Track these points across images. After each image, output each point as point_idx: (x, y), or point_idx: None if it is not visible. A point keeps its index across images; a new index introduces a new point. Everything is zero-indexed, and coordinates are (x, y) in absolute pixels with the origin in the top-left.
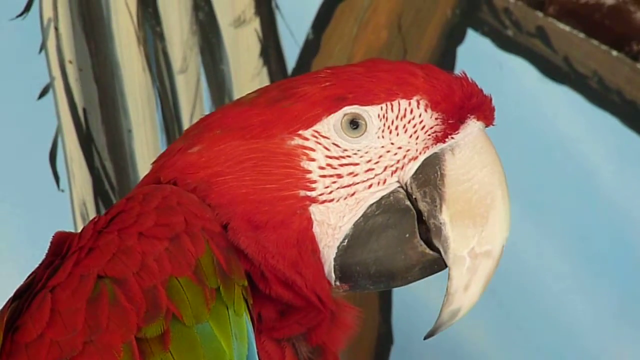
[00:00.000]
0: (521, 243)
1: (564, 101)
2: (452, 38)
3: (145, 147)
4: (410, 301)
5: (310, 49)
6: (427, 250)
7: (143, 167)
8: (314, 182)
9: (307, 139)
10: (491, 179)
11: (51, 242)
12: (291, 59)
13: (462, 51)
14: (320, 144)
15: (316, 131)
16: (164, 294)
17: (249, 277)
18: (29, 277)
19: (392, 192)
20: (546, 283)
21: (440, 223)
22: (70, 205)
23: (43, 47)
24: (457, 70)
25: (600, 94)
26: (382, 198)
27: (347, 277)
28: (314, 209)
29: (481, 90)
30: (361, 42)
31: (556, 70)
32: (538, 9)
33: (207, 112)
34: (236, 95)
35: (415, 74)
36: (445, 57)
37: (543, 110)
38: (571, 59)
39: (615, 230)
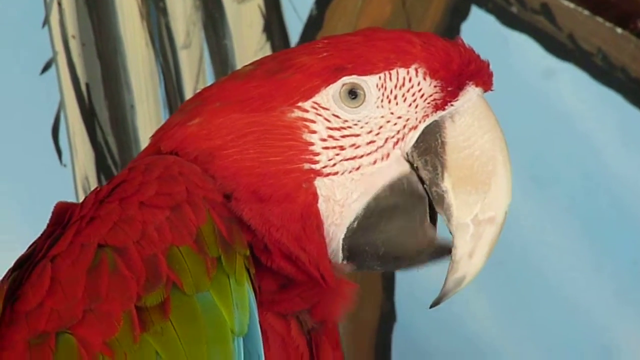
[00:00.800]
0: (525, 219)
1: (569, 78)
2: (456, 14)
3: (148, 122)
4: (413, 278)
5: (314, 24)
6: (438, 237)
7: (146, 142)
8: (317, 154)
9: (307, 111)
10: (492, 145)
11: (52, 212)
12: (294, 34)
13: (466, 27)
14: (320, 115)
15: (316, 102)
16: (164, 263)
17: (251, 249)
18: (29, 247)
19: (405, 175)
20: (549, 258)
21: (443, 191)
22: (73, 180)
23: (46, 21)
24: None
25: (604, 72)
26: (395, 181)
27: (354, 257)
28: (319, 183)
29: (479, 56)
30: (365, 17)
31: (561, 47)
32: None
33: None
34: None
35: (412, 42)
36: (449, 33)
37: (547, 88)
38: (576, 36)
39: (620, 207)
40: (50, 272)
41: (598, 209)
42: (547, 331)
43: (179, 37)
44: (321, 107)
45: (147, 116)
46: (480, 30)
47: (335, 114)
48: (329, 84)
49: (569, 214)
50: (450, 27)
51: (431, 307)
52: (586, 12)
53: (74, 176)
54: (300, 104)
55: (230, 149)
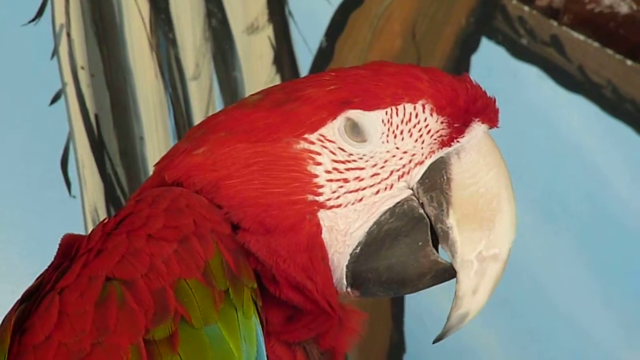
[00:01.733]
0: (534, 252)
1: (578, 110)
2: (467, 46)
3: (157, 153)
4: (423, 309)
5: (324, 56)
6: (440, 259)
7: None
8: (321, 186)
9: (313, 143)
10: (497, 182)
11: (60, 244)
12: (304, 66)
13: (476, 60)
14: (326, 147)
15: (322, 135)
16: (172, 296)
17: (259, 280)
18: (37, 279)
19: (406, 199)
20: (559, 292)
21: (448, 227)
22: (82, 212)
23: (55, 52)
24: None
25: (614, 104)
26: (395, 205)
27: (358, 284)
28: (322, 215)
29: (485, 93)
30: (375, 50)
31: (570, 79)
32: (552, 17)
33: None
34: None
35: (420, 77)
36: (460, 66)
37: (557, 120)
38: (585, 68)
39: (630, 239)
40: (58, 305)
41: (607, 241)
42: None
43: (189, 69)
44: (327, 139)
45: (157, 147)
46: (491, 63)
47: (341, 147)
48: (335, 117)
49: (578, 246)
50: (461, 59)
51: (434, 342)
52: (596, 44)
53: (83, 207)
54: (306, 135)
55: (235, 179)
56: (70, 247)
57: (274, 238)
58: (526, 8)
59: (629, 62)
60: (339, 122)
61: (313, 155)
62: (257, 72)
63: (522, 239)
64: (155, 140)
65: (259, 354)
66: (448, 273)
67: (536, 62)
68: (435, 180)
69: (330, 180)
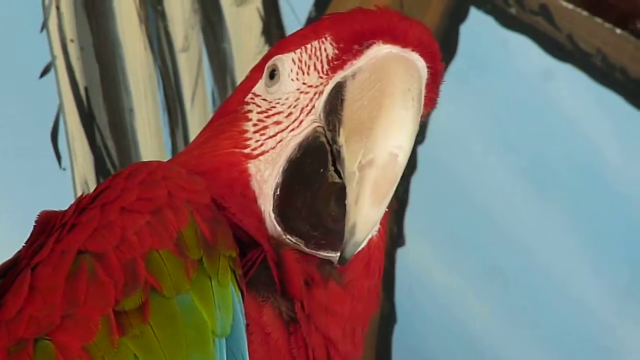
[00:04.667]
0: (526, 221)
1: (568, 79)
2: (455, 16)
3: (147, 126)
4: (413, 279)
5: None
6: (337, 180)
7: (145, 145)
8: (249, 139)
9: (247, 104)
10: (381, 92)
11: (36, 221)
12: None
13: (465, 29)
14: (254, 103)
15: (253, 93)
16: (142, 267)
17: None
18: (13, 256)
19: (312, 130)
20: (551, 260)
21: (339, 147)
22: (72, 184)
23: (44, 26)
24: (460, 48)
25: (604, 72)
26: (302, 139)
27: (289, 227)
28: (250, 165)
29: (390, 14)
30: None
31: (560, 48)
32: None
33: (208, 91)
34: (238, 74)
35: (331, 15)
36: (449, 35)
37: (547, 89)
38: (575, 37)
39: (621, 207)
40: (29, 280)
41: (598, 210)
42: (549, 332)
43: (178, 41)
44: (256, 95)
45: (146, 120)
46: (480, 32)
47: (264, 97)
48: (262, 72)
49: (569, 215)
50: (449, 29)
51: (339, 263)
52: (585, 13)
53: (73, 180)
54: (245, 99)
55: (196, 152)
56: (46, 224)
57: (222, 193)
58: None
59: (618, 31)
60: (264, 75)
61: (246, 114)
62: (246, 43)
63: (512, 208)
64: (145, 112)
65: (236, 322)
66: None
67: (525, 31)
68: (334, 105)
69: (256, 132)
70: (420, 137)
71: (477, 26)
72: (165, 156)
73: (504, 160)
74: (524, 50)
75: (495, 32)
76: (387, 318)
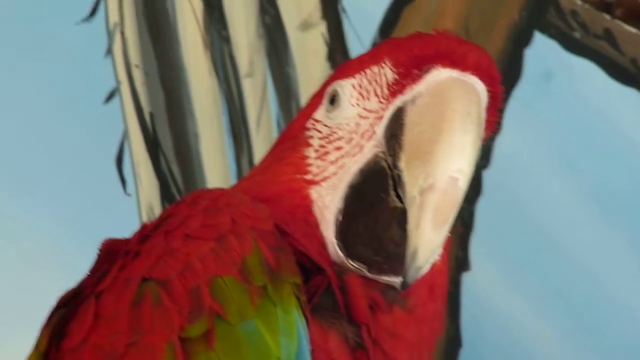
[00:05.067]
0: (589, 245)
1: (632, 103)
2: (520, 41)
3: (212, 150)
4: (480, 303)
5: None
6: (398, 204)
7: (210, 170)
8: (310, 165)
9: (308, 129)
10: (441, 116)
11: (99, 250)
12: None
13: (529, 54)
14: (315, 128)
15: (313, 118)
16: (207, 293)
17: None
18: (77, 284)
19: (373, 156)
20: (615, 284)
21: (400, 171)
22: (138, 209)
23: (109, 51)
24: (525, 73)
25: None
26: (364, 164)
27: (351, 253)
28: (313, 191)
29: (449, 38)
30: None
31: (623, 72)
32: (605, 11)
33: (273, 116)
34: (303, 99)
35: (388, 41)
36: (513, 60)
37: (610, 113)
38: (638, 61)
39: None
40: (94, 308)
41: None
42: (613, 356)
43: (243, 66)
44: (316, 120)
45: (211, 144)
46: (544, 57)
47: (325, 123)
48: (322, 98)
49: (633, 239)
50: (514, 53)
51: (401, 289)
52: None
53: (138, 205)
54: (306, 124)
55: (259, 177)
56: (109, 252)
57: (285, 219)
58: (579, 1)
59: None
60: (324, 100)
61: (307, 140)
62: (311, 68)
63: (577, 232)
64: (210, 137)
65: (300, 348)
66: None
67: (589, 56)
68: (394, 129)
69: (318, 158)
70: (485, 162)
71: (542, 51)
72: (231, 181)
73: (568, 184)
74: (588, 74)
75: (559, 56)
76: (453, 342)
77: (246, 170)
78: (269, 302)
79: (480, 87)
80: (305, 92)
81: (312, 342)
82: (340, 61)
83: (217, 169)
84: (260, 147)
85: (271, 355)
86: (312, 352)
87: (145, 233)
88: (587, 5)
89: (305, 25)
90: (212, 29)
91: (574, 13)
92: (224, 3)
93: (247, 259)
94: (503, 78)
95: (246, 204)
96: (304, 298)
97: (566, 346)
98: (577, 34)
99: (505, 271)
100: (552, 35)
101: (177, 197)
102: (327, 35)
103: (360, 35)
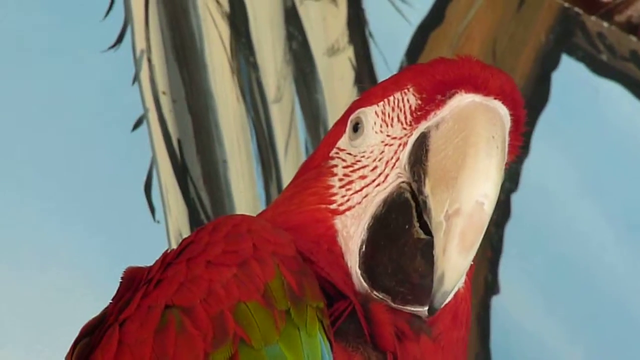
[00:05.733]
0: (618, 267)
1: None
2: (547, 63)
3: (241, 177)
4: (509, 327)
5: None
6: (422, 235)
7: (239, 197)
8: (335, 194)
9: (332, 158)
10: (465, 141)
11: (122, 278)
12: None
13: (556, 76)
14: (339, 157)
15: (338, 147)
16: (231, 319)
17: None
18: (100, 313)
19: (397, 185)
20: None
21: (425, 197)
22: (167, 237)
23: (136, 78)
24: (553, 96)
25: None
26: (388, 194)
27: (375, 284)
28: (337, 221)
29: (471, 63)
30: None
31: None
32: (632, 33)
33: (302, 142)
34: (330, 124)
35: (411, 67)
36: (540, 83)
37: (638, 135)
38: None
39: None
40: (118, 336)
41: None
42: None
43: (270, 92)
44: (340, 149)
45: (240, 171)
46: (571, 79)
47: (349, 152)
48: (345, 126)
49: None
50: (541, 76)
51: (428, 314)
52: None
53: (167, 233)
54: (330, 153)
55: (281, 209)
56: (132, 280)
57: (309, 247)
58: (605, 24)
59: None
60: (347, 128)
61: (331, 169)
62: (339, 93)
63: (605, 255)
64: (238, 163)
65: None
66: (433, 247)
67: (616, 78)
68: (418, 155)
69: (342, 187)
70: (513, 186)
71: (569, 73)
72: (259, 207)
73: (596, 208)
74: (615, 96)
75: (586, 78)
76: None
77: (275, 197)
78: (292, 326)
79: (503, 112)
80: (333, 117)
81: None
82: (368, 86)
83: (245, 196)
84: (289, 173)
85: None
86: None
87: (167, 261)
88: (613, 28)
89: (333, 51)
90: (239, 55)
91: (600, 35)
92: (251, 29)
93: (270, 284)
94: (530, 101)
95: (267, 229)
96: (327, 322)
97: None
98: (604, 57)
99: (535, 294)
100: (579, 58)
101: (206, 224)
102: (354, 60)
103: (388, 59)
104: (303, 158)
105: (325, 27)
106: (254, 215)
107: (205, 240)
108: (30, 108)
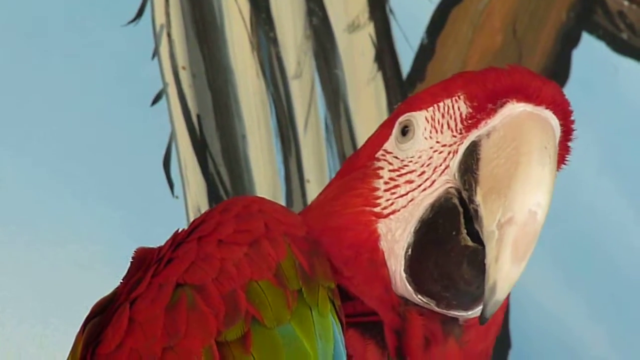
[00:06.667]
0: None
1: None
2: (567, 41)
3: (260, 152)
4: (528, 307)
5: (425, 53)
6: (469, 243)
7: (257, 172)
8: (379, 197)
9: (378, 160)
10: (518, 150)
11: (133, 257)
12: (406, 63)
13: (577, 55)
14: (385, 160)
15: (384, 149)
16: (243, 297)
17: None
18: (111, 292)
19: (445, 190)
20: None
21: (477, 206)
22: (185, 212)
23: (156, 53)
24: (573, 74)
25: None
26: (435, 199)
27: (421, 288)
28: (380, 224)
29: (523, 72)
30: (476, 46)
31: None
32: None
33: (321, 118)
34: (351, 100)
35: (462, 74)
36: (560, 61)
37: None
38: None
39: None
40: (128, 314)
41: None
42: None
43: (290, 67)
44: (387, 152)
45: (259, 146)
46: (591, 57)
47: (396, 155)
48: (392, 129)
49: None
50: (561, 54)
51: (480, 323)
52: None
53: (186, 208)
54: (376, 155)
55: (318, 211)
56: (142, 260)
57: (346, 256)
58: (626, 2)
59: None
60: (394, 131)
61: (377, 171)
62: (359, 69)
63: (625, 234)
64: (258, 138)
65: (336, 351)
66: (480, 254)
67: (636, 56)
68: (469, 164)
69: (387, 190)
70: None
71: (589, 51)
72: (278, 183)
73: (616, 185)
74: (635, 74)
75: (606, 57)
76: (502, 343)
77: (294, 172)
78: (304, 305)
79: (554, 122)
80: (353, 93)
81: (351, 347)
82: (388, 62)
83: (264, 171)
84: (308, 149)
85: (308, 357)
86: (350, 358)
87: (178, 240)
88: (634, 6)
89: (353, 27)
90: (259, 31)
91: (621, 14)
92: (271, 4)
93: (282, 263)
94: (550, 79)
95: (278, 210)
96: (338, 302)
97: (617, 350)
98: (624, 35)
99: (555, 273)
100: (599, 36)
101: (225, 199)
102: (374, 37)
103: (408, 36)
104: (322, 133)
105: (345, 3)
106: (271, 197)
107: (216, 220)
108: (49, 83)
